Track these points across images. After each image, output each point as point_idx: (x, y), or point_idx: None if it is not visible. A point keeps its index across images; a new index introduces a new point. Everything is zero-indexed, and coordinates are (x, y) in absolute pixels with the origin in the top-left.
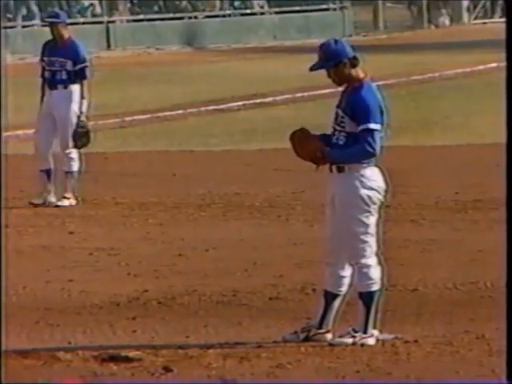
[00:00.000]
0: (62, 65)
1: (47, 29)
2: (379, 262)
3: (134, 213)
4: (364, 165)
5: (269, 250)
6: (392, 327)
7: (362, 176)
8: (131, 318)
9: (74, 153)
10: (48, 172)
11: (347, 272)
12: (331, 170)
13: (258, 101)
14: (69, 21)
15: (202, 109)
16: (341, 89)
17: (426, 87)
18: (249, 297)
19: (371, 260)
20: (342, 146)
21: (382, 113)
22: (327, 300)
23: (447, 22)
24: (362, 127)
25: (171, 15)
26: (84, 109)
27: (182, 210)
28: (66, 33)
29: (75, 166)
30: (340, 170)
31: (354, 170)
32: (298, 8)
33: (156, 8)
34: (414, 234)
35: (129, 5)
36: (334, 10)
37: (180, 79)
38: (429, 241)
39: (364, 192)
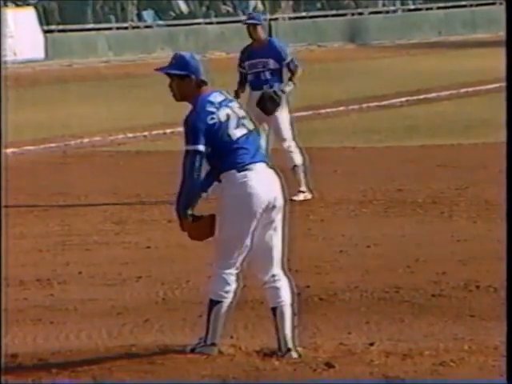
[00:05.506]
0: (265, 65)
1: (209, 26)
2: (230, 276)
3: (294, 208)
4: (232, 171)
5: (431, 246)
6: None
7: (235, 183)
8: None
9: (293, 147)
10: None
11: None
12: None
13: (421, 96)
14: (232, 19)
15: (365, 105)
16: None
17: None
18: (411, 293)
19: (219, 270)
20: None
21: (213, 131)
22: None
23: None
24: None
25: (334, 12)
26: (287, 88)
27: (343, 206)
28: (264, 34)
29: (298, 159)
30: (219, 180)
31: (228, 177)
32: (463, 3)
33: (319, 5)
34: None
35: (291, 2)
36: (501, 4)
37: (342, 76)
38: None
39: (231, 199)
